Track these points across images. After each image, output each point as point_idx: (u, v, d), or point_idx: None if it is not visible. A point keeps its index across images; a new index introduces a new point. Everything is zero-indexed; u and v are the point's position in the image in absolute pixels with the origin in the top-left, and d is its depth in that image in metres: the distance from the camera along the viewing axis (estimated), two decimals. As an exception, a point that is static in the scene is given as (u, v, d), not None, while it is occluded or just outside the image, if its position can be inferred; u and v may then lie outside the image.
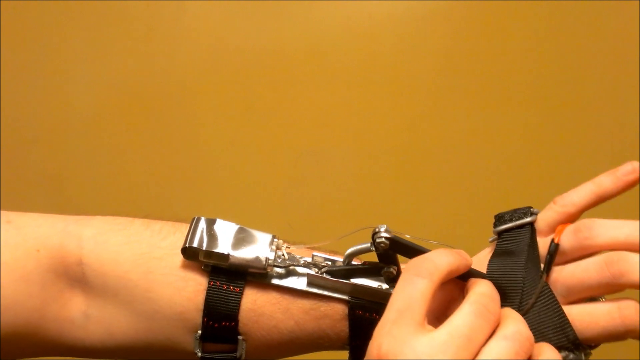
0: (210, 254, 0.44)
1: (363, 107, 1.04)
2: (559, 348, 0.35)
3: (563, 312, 0.36)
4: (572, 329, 0.35)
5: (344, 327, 0.44)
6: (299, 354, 0.47)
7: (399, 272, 0.43)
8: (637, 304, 0.36)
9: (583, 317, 0.36)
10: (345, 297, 0.44)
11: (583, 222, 0.39)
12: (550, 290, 0.37)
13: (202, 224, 0.46)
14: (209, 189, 1.07)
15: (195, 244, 0.44)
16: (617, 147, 1.01)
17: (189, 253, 0.44)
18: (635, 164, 0.39)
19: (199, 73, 1.06)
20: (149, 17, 1.05)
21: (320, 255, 0.46)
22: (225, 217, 1.07)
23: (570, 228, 0.39)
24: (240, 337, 0.44)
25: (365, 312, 0.43)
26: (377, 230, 0.41)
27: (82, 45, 1.07)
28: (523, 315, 0.36)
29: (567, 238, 0.39)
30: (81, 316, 0.45)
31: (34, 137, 1.08)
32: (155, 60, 1.06)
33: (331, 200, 1.04)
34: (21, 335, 0.43)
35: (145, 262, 0.45)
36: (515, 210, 0.42)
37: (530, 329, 0.34)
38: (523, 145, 1.02)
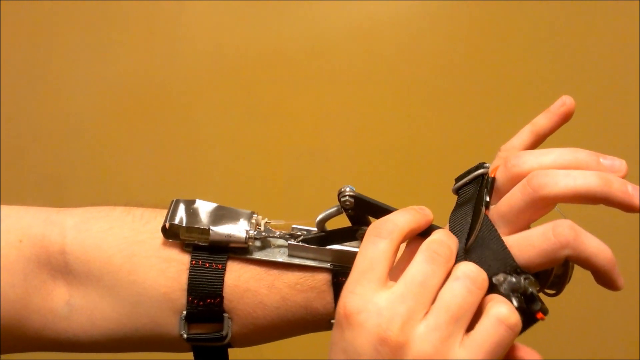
0: (191, 229, 0.44)
1: (363, 108, 1.04)
2: (499, 273, 0.36)
3: (501, 239, 0.37)
4: (509, 254, 0.36)
5: (330, 297, 0.44)
6: (287, 335, 0.47)
7: None
8: (571, 222, 0.36)
9: (520, 242, 0.36)
10: (327, 265, 0.45)
11: (512, 154, 0.40)
12: (490, 221, 0.38)
13: (182, 204, 0.46)
14: (209, 189, 1.07)
15: (175, 222, 0.45)
16: (617, 147, 1.01)
17: (170, 232, 0.45)
18: (566, 97, 0.41)
19: (199, 73, 1.06)
20: (149, 17, 1.05)
21: (298, 227, 0.47)
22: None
23: (503, 162, 0.40)
24: (225, 315, 0.44)
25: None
26: (342, 190, 0.42)
27: (82, 45, 1.07)
28: (467, 248, 0.37)
29: (501, 172, 0.40)
30: (64, 306, 0.45)
31: (34, 137, 1.08)
32: (155, 61, 1.06)
33: (331, 200, 1.04)
34: (5, 327, 0.43)
35: (129, 246, 0.45)
36: (469, 169, 0.43)
37: (474, 261, 0.36)
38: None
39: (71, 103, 1.07)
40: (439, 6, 1.02)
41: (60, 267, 0.44)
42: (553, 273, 0.39)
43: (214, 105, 1.06)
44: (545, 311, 0.35)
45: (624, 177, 0.37)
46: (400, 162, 1.04)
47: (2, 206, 0.45)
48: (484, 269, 0.36)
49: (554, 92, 1.02)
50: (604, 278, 0.36)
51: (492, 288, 0.36)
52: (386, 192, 1.04)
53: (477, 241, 0.37)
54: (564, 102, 0.42)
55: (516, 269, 0.35)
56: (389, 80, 1.04)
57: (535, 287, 0.35)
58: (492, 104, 1.03)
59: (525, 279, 0.35)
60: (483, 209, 0.38)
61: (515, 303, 0.35)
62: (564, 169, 0.38)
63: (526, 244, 0.36)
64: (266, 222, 0.47)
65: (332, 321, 0.41)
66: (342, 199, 0.43)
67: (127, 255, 0.44)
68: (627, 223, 0.98)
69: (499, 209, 0.38)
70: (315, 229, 0.46)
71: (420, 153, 1.04)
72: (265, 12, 1.04)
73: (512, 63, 1.02)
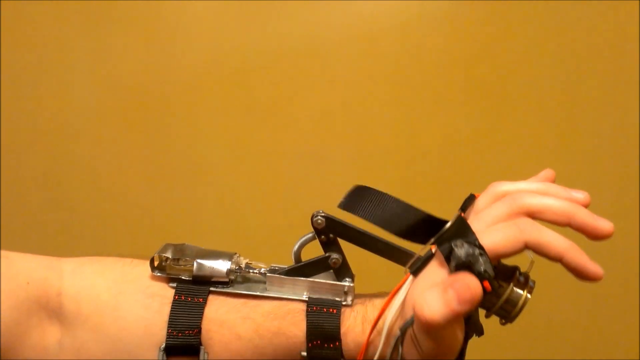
0: (176, 262, 0.49)
1: (363, 108, 1.04)
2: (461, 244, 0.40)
3: (468, 224, 0.40)
4: (472, 233, 0.40)
5: (303, 325, 0.46)
6: None
7: (344, 261, 0.48)
8: (531, 220, 0.40)
9: (488, 229, 0.41)
10: (303, 297, 0.47)
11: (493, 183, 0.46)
12: (462, 216, 0.42)
13: (171, 246, 0.51)
14: (208, 189, 1.07)
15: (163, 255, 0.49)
16: (617, 147, 1.01)
17: (158, 266, 0.49)
18: (549, 170, 0.47)
19: (198, 73, 1.06)
20: (149, 17, 1.05)
21: (277, 265, 0.50)
22: (225, 217, 1.07)
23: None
24: (202, 347, 0.46)
25: (322, 307, 0.46)
26: (314, 212, 0.47)
27: (82, 45, 1.07)
28: (440, 236, 0.41)
29: (482, 196, 0.44)
30: (55, 345, 0.48)
31: (34, 137, 1.08)
32: (155, 61, 1.06)
33: (331, 200, 1.04)
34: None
35: (116, 285, 0.49)
36: None
37: (446, 242, 0.40)
38: (525, 145, 1.02)
39: (71, 103, 1.08)
40: (440, 6, 1.02)
41: (55, 308, 0.48)
42: (506, 296, 0.41)
43: (213, 106, 1.06)
44: (490, 281, 0.38)
45: (587, 205, 0.42)
46: (400, 162, 1.04)
47: (11, 252, 0.50)
48: (450, 244, 0.39)
49: (554, 93, 1.02)
50: (572, 266, 0.39)
51: (450, 252, 0.39)
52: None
53: (451, 231, 0.41)
54: (548, 172, 0.47)
55: (475, 242, 0.39)
56: (389, 80, 1.04)
57: (488, 266, 0.38)
58: (492, 105, 1.03)
59: (481, 254, 0.38)
60: (459, 212, 0.43)
61: (464, 260, 0.38)
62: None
63: (492, 230, 0.40)
64: (247, 262, 0.50)
65: (303, 354, 0.45)
66: (314, 219, 0.47)
67: (114, 294, 0.48)
68: (628, 223, 0.98)
69: (480, 214, 0.42)
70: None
71: (420, 154, 1.04)
72: (265, 12, 1.04)
73: (513, 63, 1.02)
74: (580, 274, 0.39)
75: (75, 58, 1.07)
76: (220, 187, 1.07)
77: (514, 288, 0.42)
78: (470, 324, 0.43)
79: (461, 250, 0.38)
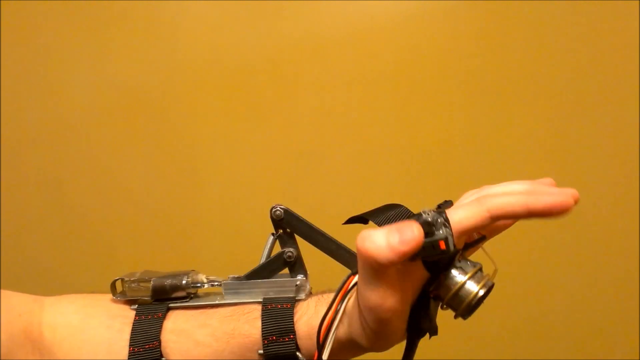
0: (136, 282, 0.51)
1: (363, 108, 1.04)
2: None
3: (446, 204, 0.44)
4: (442, 205, 0.43)
5: (259, 323, 0.47)
6: None
7: (299, 257, 0.50)
8: (490, 194, 0.43)
9: (453, 209, 0.42)
10: (259, 299, 0.48)
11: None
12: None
13: (134, 272, 0.53)
14: (208, 189, 1.07)
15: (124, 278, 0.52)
16: (617, 147, 1.01)
17: (119, 290, 0.52)
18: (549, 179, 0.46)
19: (199, 73, 1.06)
20: (149, 18, 1.06)
21: (237, 275, 0.51)
22: (225, 217, 1.07)
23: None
24: (163, 359, 0.48)
25: (277, 304, 0.47)
26: (274, 205, 0.49)
27: (82, 45, 1.07)
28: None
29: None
30: None
31: (34, 137, 1.08)
32: (154, 61, 1.06)
33: (331, 200, 1.04)
34: None
35: (85, 309, 0.51)
36: None
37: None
38: (524, 145, 1.02)
39: (71, 104, 1.08)
40: (439, 6, 1.02)
41: (37, 338, 0.51)
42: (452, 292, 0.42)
43: (213, 105, 1.06)
44: (445, 241, 0.39)
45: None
46: (400, 162, 1.04)
47: (5, 290, 0.52)
48: (421, 211, 0.42)
49: (554, 92, 1.02)
50: (541, 210, 0.39)
51: (419, 216, 0.40)
52: (386, 192, 1.04)
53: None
54: (547, 180, 0.48)
55: (442, 213, 0.41)
56: (389, 80, 1.04)
57: (449, 237, 0.39)
58: (492, 104, 1.03)
59: (445, 225, 0.40)
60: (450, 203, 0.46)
61: (429, 221, 0.40)
62: None
63: (456, 207, 0.42)
64: (205, 277, 0.52)
65: (260, 352, 0.45)
66: (273, 210, 0.49)
67: (83, 317, 0.51)
68: (628, 223, 0.98)
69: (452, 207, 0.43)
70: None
71: (420, 153, 1.04)
72: (264, 12, 1.04)
73: (512, 63, 1.02)
74: (552, 212, 0.39)
75: (75, 58, 1.07)
76: (220, 186, 1.07)
77: (469, 281, 0.42)
78: (425, 321, 0.43)
79: (428, 215, 0.40)
